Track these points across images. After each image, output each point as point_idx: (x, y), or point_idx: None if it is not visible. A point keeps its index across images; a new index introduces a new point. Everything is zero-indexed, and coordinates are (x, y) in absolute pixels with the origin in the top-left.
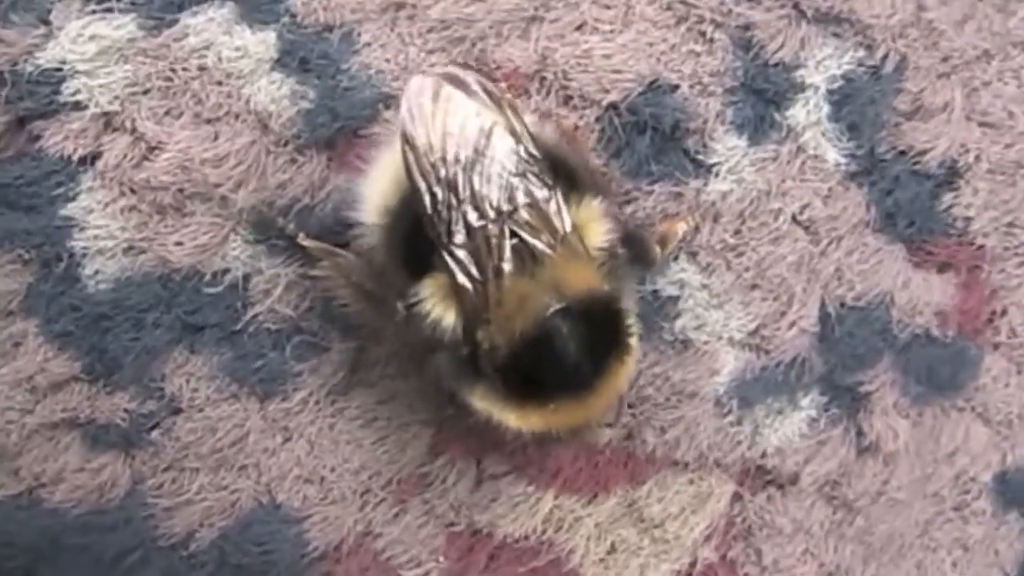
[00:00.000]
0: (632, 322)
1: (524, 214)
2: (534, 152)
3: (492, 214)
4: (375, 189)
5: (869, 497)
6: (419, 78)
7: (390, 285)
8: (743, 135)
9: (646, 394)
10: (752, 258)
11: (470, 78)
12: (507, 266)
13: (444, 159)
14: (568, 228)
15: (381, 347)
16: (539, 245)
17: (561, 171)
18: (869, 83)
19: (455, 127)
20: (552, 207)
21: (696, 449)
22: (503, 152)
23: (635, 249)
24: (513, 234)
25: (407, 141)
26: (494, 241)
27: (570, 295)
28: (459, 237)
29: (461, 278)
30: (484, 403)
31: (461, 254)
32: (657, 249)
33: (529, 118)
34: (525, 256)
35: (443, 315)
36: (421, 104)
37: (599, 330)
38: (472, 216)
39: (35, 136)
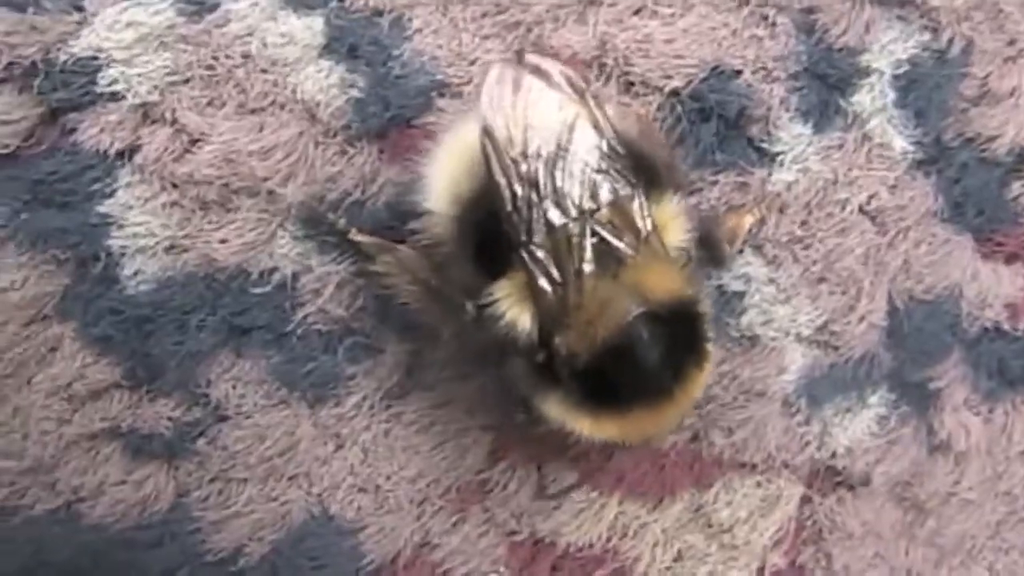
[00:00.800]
0: (708, 326)
1: (607, 213)
2: (617, 147)
3: (574, 212)
4: (445, 174)
5: (940, 497)
6: (500, 66)
7: (456, 281)
8: (808, 122)
9: (713, 394)
10: (819, 250)
11: (553, 68)
12: (588, 267)
13: (525, 153)
14: (650, 228)
15: (439, 348)
16: (621, 246)
17: (642, 167)
18: (935, 68)
19: (537, 120)
20: (635, 206)
21: (764, 450)
22: (586, 147)
23: (709, 248)
24: (594, 234)
25: (487, 133)
26: (575, 241)
27: (653, 299)
28: (539, 236)
29: (541, 280)
30: (558, 410)
31: (540, 254)
32: (727, 247)
33: (610, 110)
34: (607, 257)
35: (518, 317)
36: (502, 94)
37: (680, 336)
38: (553, 214)
39: (70, 129)
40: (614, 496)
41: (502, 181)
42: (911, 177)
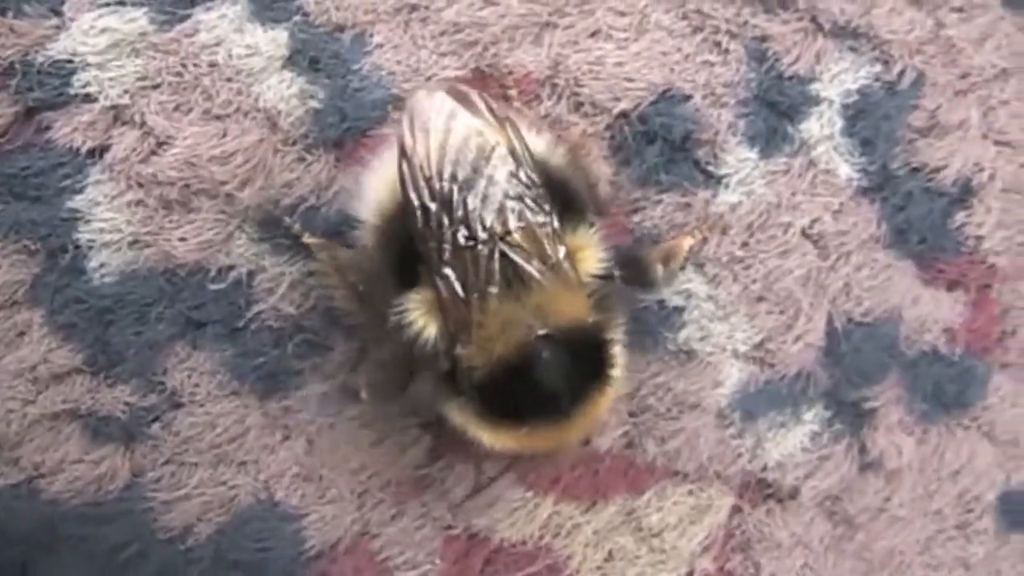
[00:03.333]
0: (616, 352)
1: (517, 237)
2: (533, 176)
3: (484, 235)
4: (375, 186)
5: (870, 513)
6: (424, 92)
7: (379, 289)
8: (755, 147)
9: (648, 404)
10: (760, 271)
11: (475, 95)
12: (494, 289)
13: (441, 175)
14: (561, 255)
15: (383, 349)
16: (529, 269)
17: (561, 195)
18: (885, 98)
19: (456, 143)
20: (546, 233)
21: (696, 460)
22: (502, 174)
23: (633, 271)
24: (504, 256)
25: (404, 154)
26: (483, 262)
27: (554, 323)
28: (447, 255)
29: (446, 296)
30: (460, 419)
31: (448, 272)
32: (658, 269)
33: (537, 139)
34: (514, 279)
35: (426, 328)
36: (425, 117)
37: (581, 360)
38: (462, 235)
39: (44, 127)
40: (549, 496)
41: (415, 199)
42: (855, 203)
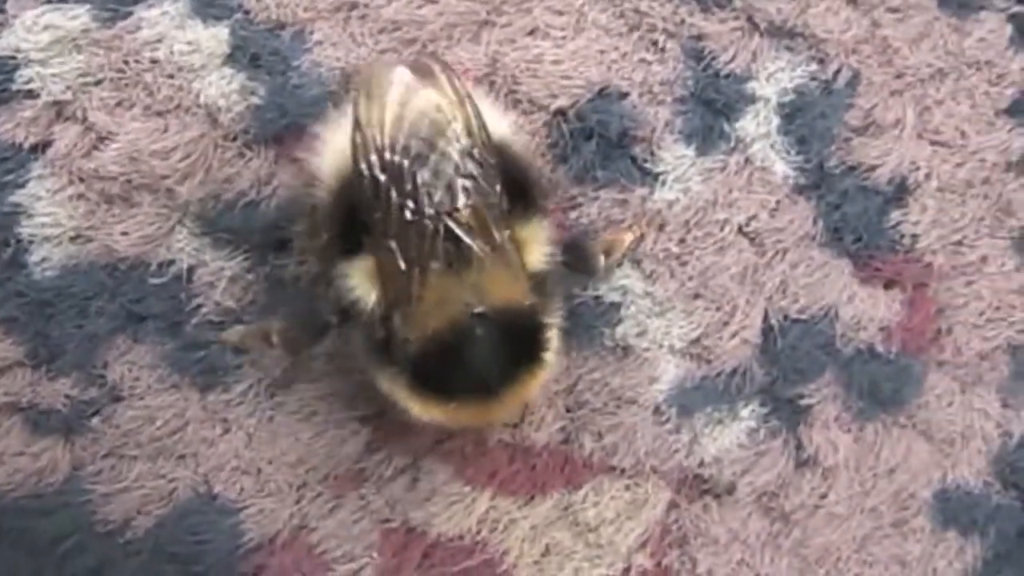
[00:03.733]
0: (551, 336)
1: (464, 215)
2: (487, 156)
3: (430, 210)
4: (335, 148)
5: (806, 510)
6: (382, 63)
7: (328, 248)
8: (691, 145)
9: (584, 399)
10: (696, 267)
11: (438, 69)
12: (435, 264)
13: (393, 147)
14: (506, 238)
15: (322, 343)
16: (472, 247)
17: (517, 182)
18: (821, 97)
19: (413, 116)
20: (494, 214)
21: (633, 455)
22: (455, 150)
23: (576, 257)
24: (449, 232)
25: (357, 124)
26: (428, 237)
27: (491, 303)
28: (393, 227)
29: (387, 268)
30: (390, 387)
31: (392, 244)
32: (601, 258)
33: (500, 122)
34: (455, 256)
35: (366, 295)
36: (382, 87)
37: (514, 341)
38: (409, 209)
39: None
40: (486, 491)
41: (364, 169)
42: (791, 201)
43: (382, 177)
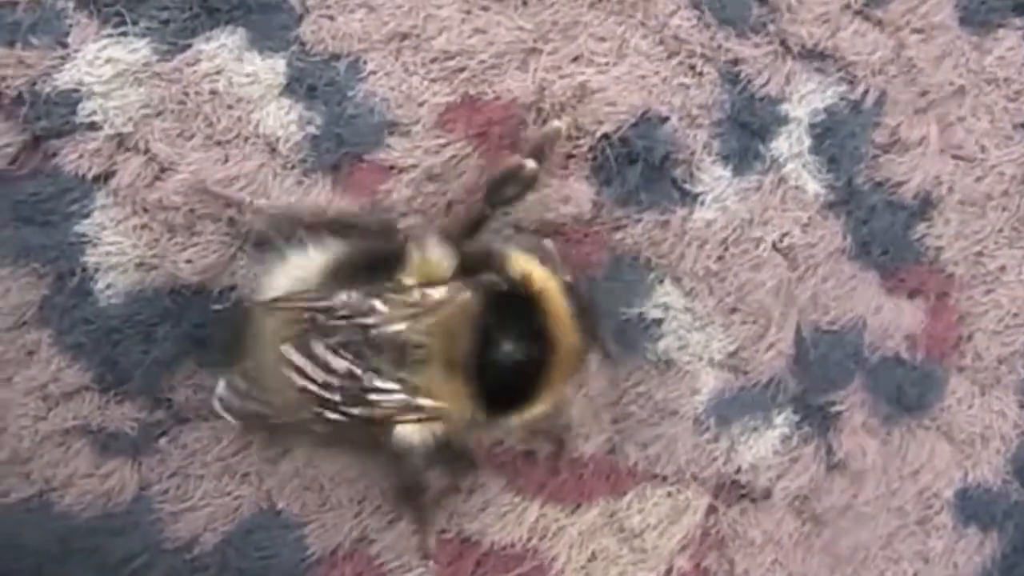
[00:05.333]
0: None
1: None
2: None
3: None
4: None
5: (836, 511)
6: None
7: None
8: (728, 166)
9: (630, 411)
10: (733, 283)
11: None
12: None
13: None
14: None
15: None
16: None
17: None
18: (850, 117)
19: None
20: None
21: (675, 464)
22: None
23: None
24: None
25: None
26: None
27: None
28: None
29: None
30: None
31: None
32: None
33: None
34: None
35: (414, 436)
36: None
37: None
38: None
39: (51, 154)
40: (536, 500)
41: None
42: (822, 217)
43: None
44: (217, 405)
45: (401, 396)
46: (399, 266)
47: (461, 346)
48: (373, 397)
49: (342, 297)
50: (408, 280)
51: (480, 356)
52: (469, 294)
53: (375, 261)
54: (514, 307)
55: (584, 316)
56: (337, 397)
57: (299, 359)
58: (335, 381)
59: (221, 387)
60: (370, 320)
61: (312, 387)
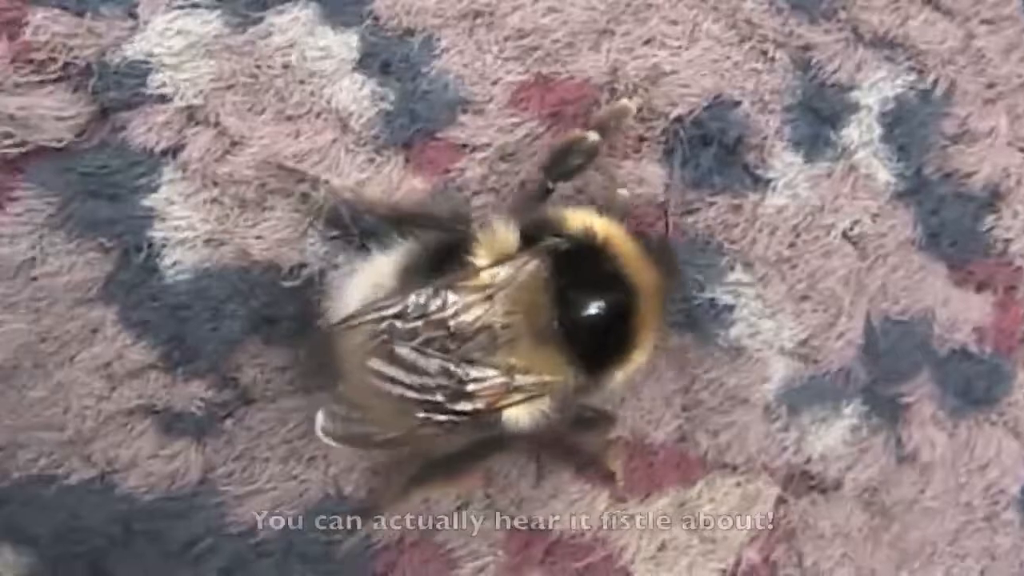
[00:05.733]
0: None
1: None
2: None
3: None
4: None
5: (905, 504)
6: None
7: None
8: (800, 152)
9: (700, 399)
10: (804, 271)
11: None
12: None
13: None
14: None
15: None
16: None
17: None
18: (919, 106)
19: None
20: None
21: (745, 453)
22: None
23: None
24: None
25: None
26: None
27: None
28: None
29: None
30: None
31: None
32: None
33: None
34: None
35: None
36: None
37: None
38: None
39: (119, 127)
40: (606, 489)
41: None
42: (892, 207)
43: None
44: (322, 436)
45: (500, 380)
46: (468, 251)
47: (544, 315)
48: (472, 388)
49: (412, 299)
50: (479, 262)
51: (566, 320)
52: (536, 262)
53: (445, 251)
54: (584, 262)
55: (657, 250)
56: (439, 397)
57: (388, 369)
58: (430, 381)
59: (321, 418)
60: (448, 313)
61: (410, 393)
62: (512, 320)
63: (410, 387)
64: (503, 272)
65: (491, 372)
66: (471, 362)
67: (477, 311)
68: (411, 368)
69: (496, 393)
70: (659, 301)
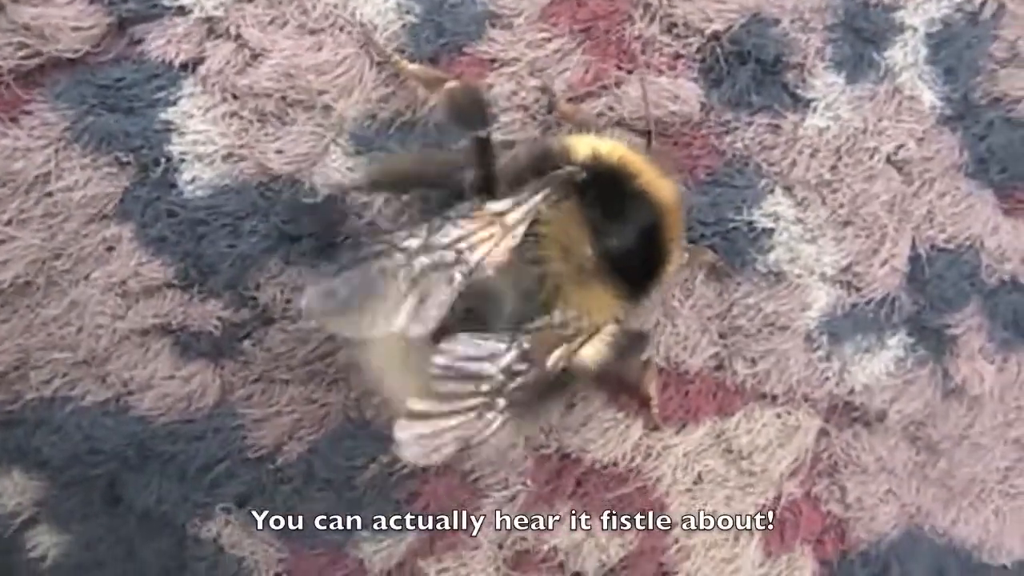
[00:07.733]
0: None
1: None
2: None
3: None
4: None
5: (952, 440)
6: None
7: None
8: (841, 73)
9: (738, 324)
10: (846, 194)
11: None
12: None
13: None
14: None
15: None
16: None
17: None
18: (967, 28)
19: None
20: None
21: (785, 383)
22: None
23: None
24: None
25: None
26: None
27: None
28: None
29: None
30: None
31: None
32: None
33: None
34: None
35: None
36: None
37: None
38: None
39: (137, 39)
40: (640, 418)
41: None
42: (938, 131)
43: None
44: (408, 454)
45: (555, 333)
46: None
47: (582, 252)
48: (528, 346)
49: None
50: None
51: (603, 251)
52: (552, 194)
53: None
54: (607, 188)
55: (657, 156)
56: (500, 377)
57: (445, 359)
58: (490, 367)
59: (399, 431)
60: (465, 246)
61: (485, 370)
62: (551, 268)
63: (476, 376)
64: (522, 206)
65: (542, 325)
66: (520, 323)
67: (484, 249)
68: (473, 351)
69: (553, 345)
70: (680, 209)
